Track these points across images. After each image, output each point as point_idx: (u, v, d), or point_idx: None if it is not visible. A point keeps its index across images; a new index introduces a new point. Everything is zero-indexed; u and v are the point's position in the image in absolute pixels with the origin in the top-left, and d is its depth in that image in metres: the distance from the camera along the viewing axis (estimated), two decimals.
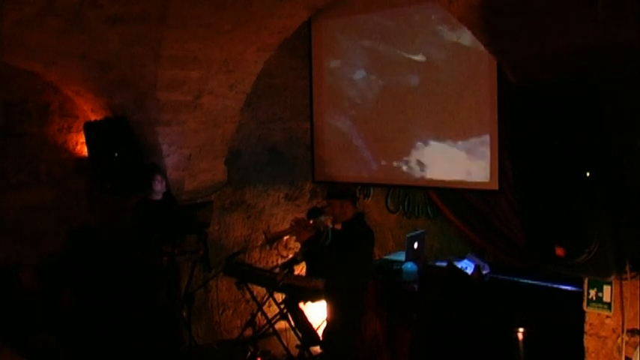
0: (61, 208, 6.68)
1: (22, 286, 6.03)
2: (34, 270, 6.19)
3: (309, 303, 6.17)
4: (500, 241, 5.87)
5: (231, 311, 7.00)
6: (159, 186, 6.11)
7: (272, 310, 6.27)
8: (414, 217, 6.99)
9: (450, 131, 5.98)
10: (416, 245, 5.89)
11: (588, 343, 3.25)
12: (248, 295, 6.29)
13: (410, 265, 5.58)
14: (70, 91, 6.65)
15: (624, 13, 2.61)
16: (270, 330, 6.14)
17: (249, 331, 6.15)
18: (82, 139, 6.65)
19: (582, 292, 3.26)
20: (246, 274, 6.24)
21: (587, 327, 3.25)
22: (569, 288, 4.69)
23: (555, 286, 4.92)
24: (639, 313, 3.04)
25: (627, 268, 2.99)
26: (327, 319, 5.36)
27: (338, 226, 5.44)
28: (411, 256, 5.77)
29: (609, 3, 2.62)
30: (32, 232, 6.48)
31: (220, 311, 6.85)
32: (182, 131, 6.24)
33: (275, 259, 7.10)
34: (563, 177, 2.89)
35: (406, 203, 7.06)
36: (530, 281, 5.19)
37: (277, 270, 6.03)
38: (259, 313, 6.18)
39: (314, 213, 6.00)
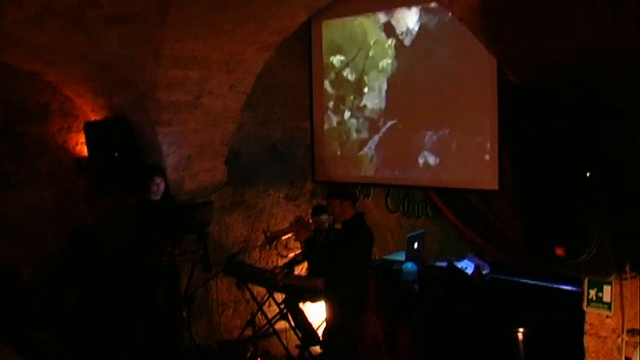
0: (61, 208, 6.69)
1: (21, 284, 6.03)
2: (33, 268, 6.19)
3: (309, 303, 6.18)
4: (500, 241, 5.86)
5: (231, 311, 7.00)
6: (157, 187, 6.10)
7: (272, 310, 6.28)
8: (414, 217, 6.98)
9: (450, 131, 5.99)
10: (416, 245, 5.89)
11: (588, 343, 3.25)
12: (248, 295, 6.29)
13: (410, 265, 5.57)
14: (70, 91, 6.65)
15: (624, 14, 2.61)
16: (270, 330, 6.14)
17: (249, 331, 6.15)
18: (82, 139, 6.65)
19: (582, 292, 3.26)
20: (246, 274, 6.24)
21: (587, 327, 3.25)
22: (569, 288, 4.69)
23: (555, 286, 4.92)
24: (639, 313, 3.04)
25: (627, 268, 2.99)
26: (327, 319, 5.37)
27: (338, 226, 5.45)
28: (411, 256, 5.77)
29: (609, 3, 2.62)
30: (32, 231, 6.49)
31: (220, 311, 6.86)
32: (182, 131, 6.24)
33: (275, 259, 7.10)
34: (563, 177, 2.88)
35: (406, 203, 7.05)
36: (530, 281, 5.19)
37: (277, 270, 6.04)
38: (259, 313, 6.18)
39: (318, 210, 6.04)
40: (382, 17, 6.47)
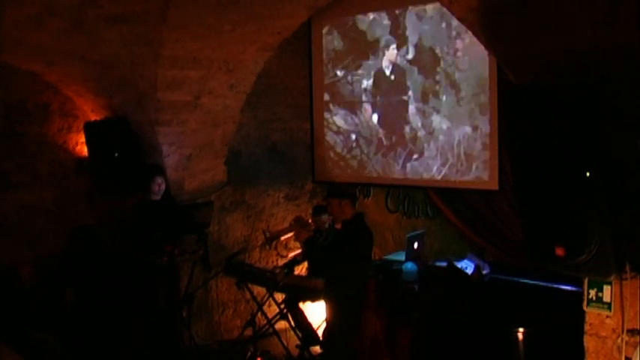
0: (61, 208, 6.68)
1: (21, 284, 6.03)
2: (33, 268, 6.19)
3: (309, 303, 6.18)
4: (500, 241, 5.87)
5: (231, 311, 7.00)
6: (159, 187, 6.09)
7: (272, 310, 6.27)
8: (414, 217, 6.98)
9: (449, 131, 5.99)
10: (416, 245, 5.89)
11: (588, 343, 3.25)
12: (248, 295, 6.29)
13: (410, 265, 5.58)
14: (70, 91, 6.64)
15: (624, 14, 2.61)
16: (270, 330, 6.14)
17: (249, 331, 6.16)
18: (82, 139, 6.64)
19: (582, 292, 3.26)
20: (246, 274, 6.24)
21: (587, 327, 3.25)
22: (569, 288, 4.69)
23: (555, 286, 4.92)
24: (639, 313, 3.04)
25: (627, 268, 2.99)
26: (327, 319, 5.37)
27: (338, 226, 5.45)
28: (411, 256, 5.77)
29: (609, 3, 2.62)
30: (32, 232, 6.49)
31: (220, 311, 6.86)
32: (182, 131, 6.24)
33: (275, 259, 7.10)
34: (563, 177, 2.88)
35: (406, 203, 7.05)
36: (530, 281, 5.19)
37: (277, 270, 6.04)
38: (259, 313, 6.18)
39: (318, 210, 6.04)
40: (381, 16, 6.47)
